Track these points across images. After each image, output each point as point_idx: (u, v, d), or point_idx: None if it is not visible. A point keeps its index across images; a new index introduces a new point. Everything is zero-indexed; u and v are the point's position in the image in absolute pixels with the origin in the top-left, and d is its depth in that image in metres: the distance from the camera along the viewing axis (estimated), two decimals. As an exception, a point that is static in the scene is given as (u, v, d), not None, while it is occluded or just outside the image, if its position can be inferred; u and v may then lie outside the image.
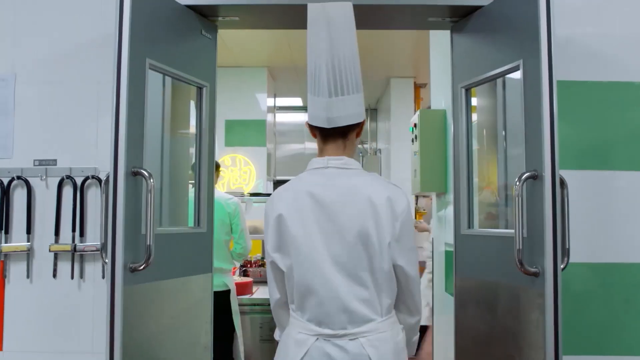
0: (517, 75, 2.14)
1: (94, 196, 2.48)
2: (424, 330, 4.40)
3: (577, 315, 2.40)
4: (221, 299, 3.70)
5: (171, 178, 2.60)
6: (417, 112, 3.96)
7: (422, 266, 4.76)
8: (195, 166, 2.48)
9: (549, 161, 1.97)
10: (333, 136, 1.70)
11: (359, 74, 1.71)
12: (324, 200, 1.61)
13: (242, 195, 4.73)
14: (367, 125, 8.39)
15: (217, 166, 3.93)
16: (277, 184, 7.70)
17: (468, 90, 2.49)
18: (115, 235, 2.00)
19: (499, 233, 2.31)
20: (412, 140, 4.16)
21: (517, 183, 2.00)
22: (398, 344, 1.64)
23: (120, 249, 2.00)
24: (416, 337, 1.79)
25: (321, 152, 1.73)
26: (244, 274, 4.86)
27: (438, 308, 4.13)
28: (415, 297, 1.70)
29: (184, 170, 2.70)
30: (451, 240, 3.61)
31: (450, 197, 3.74)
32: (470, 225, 2.43)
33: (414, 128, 4.07)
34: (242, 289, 4.22)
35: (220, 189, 6.38)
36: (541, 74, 2.00)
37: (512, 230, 2.07)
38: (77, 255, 2.46)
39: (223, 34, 5.68)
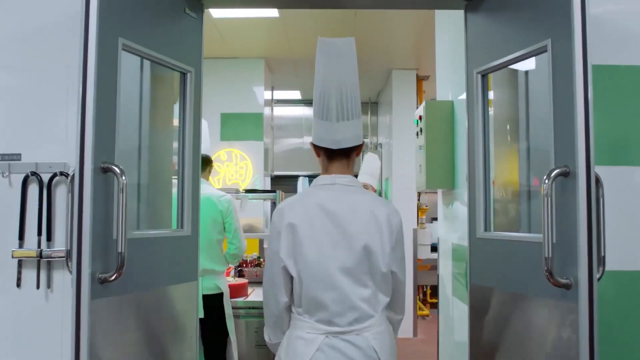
0: (532, 63, 1.85)
1: (63, 195, 2.17)
2: None
3: (607, 332, 2.11)
4: (213, 303, 3.41)
5: (151, 175, 2.29)
6: (423, 104, 3.66)
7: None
8: (178, 161, 2.18)
9: (583, 156, 1.68)
10: (339, 156, 1.84)
11: (359, 102, 1.85)
12: (334, 213, 1.75)
13: (237, 191, 4.43)
14: (368, 119, 8.08)
15: (209, 161, 3.63)
16: (275, 179, 7.41)
17: (484, 76, 2.19)
18: (81, 241, 1.71)
19: (521, 237, 2.01)
20: (417, 134, 3.86)
21: (547, 181, 1.70)
22: (391, 335, 1.84)
23: (87, 257, 1.70)
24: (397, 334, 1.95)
25: (326, 170, 1.86)
26: (239, 274, 4.57)
27: (444, 311, 3.85)
28: (402, 298, 1.89)
29: (167, 166, 2.40)
30: (459, 240, 3.33)
31: (458, 193, 3.45)
32: (487, 227, 2.14)
33: (419, 121, 3.77)
34: (237, 291, 3.92)
35: (216, 185, 6.09)
36: (574, 56, 1.71)
37: (538, 235, 1.78)
38: (43, 262, 2.16)
39: (218, 24, 5.39)
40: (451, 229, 3.66)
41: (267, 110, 6.50)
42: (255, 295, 4.04)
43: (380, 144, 7.58)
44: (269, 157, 6.58)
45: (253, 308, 3.85)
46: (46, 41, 2.20)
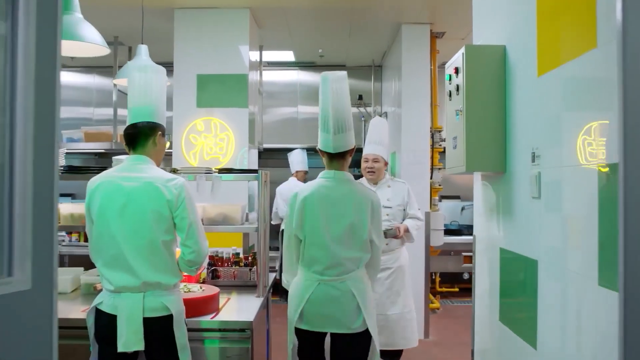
0: None
1: None
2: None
3: None
4: (159, 330, 2.24)
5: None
6: (461, 51, 2.44)
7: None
8: (2, 135, 0.97)
9: None
10: (337, 158, 2.53)
11: (351, 119, 2.52)
12: (331, 198, 2.48)
13: (208, 171, 3.21)
14: (371, 86, 6.84)
15: (155, 130, 2.38)
16: (266, 153, 6.21)
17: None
18: None
19: None
20: (450, 94, 2.65)
21: None
22: (368, 285, 2.53)
23: None
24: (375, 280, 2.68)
25: (328, 167, 2.56)
26: (213, 274, 3.41)
27: (483, 337, 2.70)
28: (378, 260, 2.60)
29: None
30: (516, 247, 2.16)
31: (514, 178, 2.27)
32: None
33: (454, 75, 2.55)
34: (203, 306, 2.73)
35: (192, 161, 4.88)
36: None
37: None
38: None
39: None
40: (497, 229, 2.48)
41: (254, 75, 5.25)
42: (230, 310, 2.85)
43: (386, 113, 6.34)
44: (256, 128, 5.34)
45: (227, 330, 2.67)
46: None
